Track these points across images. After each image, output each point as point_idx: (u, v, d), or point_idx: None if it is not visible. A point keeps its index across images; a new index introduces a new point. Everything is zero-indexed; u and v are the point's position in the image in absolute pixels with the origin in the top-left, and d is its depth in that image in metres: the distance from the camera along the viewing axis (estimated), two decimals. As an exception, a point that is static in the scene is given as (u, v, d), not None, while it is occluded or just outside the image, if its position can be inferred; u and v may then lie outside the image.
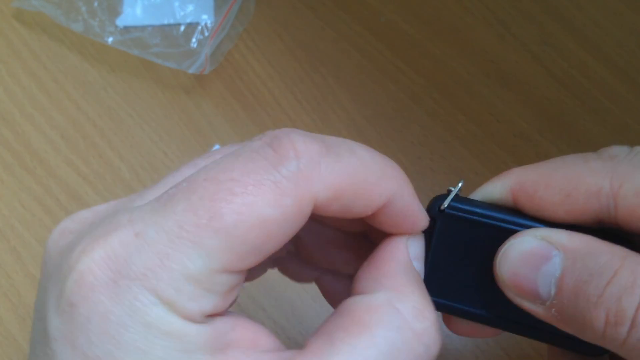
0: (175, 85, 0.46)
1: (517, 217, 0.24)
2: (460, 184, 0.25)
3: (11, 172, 0.44)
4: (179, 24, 0.47)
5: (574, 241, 0.21)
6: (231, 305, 0.21)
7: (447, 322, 0.26)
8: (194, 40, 0.46)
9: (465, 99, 0.45)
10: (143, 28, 0.47)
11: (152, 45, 0.46)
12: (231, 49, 0.47)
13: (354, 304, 0.21)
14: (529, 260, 0.22)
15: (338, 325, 0.20)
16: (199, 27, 0.47)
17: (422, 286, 0.22)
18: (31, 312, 0.41)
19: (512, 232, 0.23)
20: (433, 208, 0.25)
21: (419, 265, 0.24)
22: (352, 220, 0.25)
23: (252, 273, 0.28)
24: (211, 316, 0.20)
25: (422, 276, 0.24)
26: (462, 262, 0.25)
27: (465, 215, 0.24)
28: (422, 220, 0.24)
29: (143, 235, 0.19)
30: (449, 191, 0.25)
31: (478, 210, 0.24)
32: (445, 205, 0.24)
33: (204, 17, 0.47)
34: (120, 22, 0.47)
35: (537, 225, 0.23)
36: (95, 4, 0.47)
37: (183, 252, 0.18)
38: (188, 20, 0.47)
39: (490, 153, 0.44)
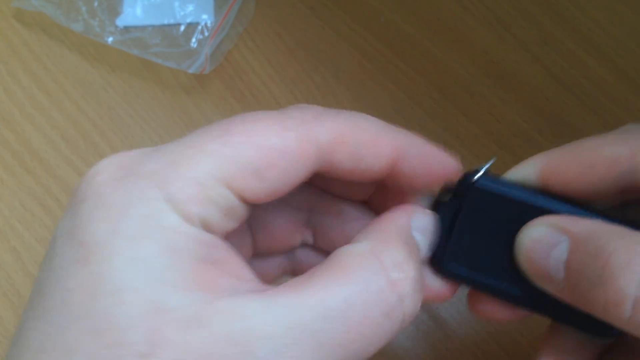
0: (175, 85, 0.47)
1: (543, 196, 0.25)
2: (492, 160, 0.26)
3: (11, 172, 0.44)
4: (179, 24, 0.47)
5: (578, 225, 0.23)
6: (231, 230, 0.22)
7: (471, 303, 0.27)
8: (194, 40, 0.46)
9: (465, 99, 0.45)
10: (143, 28, 0.47)
11: (152, 45, 0.46)
12: (231, 49, 0.47)
13: (340, 250, 0.22)
14: (540, 247, 0.23)
15: (321, 267, 0.21)
16: (199, 27, 0.47)
17: (414, 251, 0.23)
18: (31, 312, 0.41)
19: (538, 210, 0.24)
20: (463, 182, 0.26)
21: (419, 237, 0.24)
22: (368, 187, 0.26)
23: (267, 270, 0.28)
24: (208, 231, 0.21)
25: (424, 252, 0.25)
26: (488, 237, 0.25)
27: (493, 190, 0.25)
28: (448, 162, 0.25)
29: (160, 147, 0.22)
30: (477, 170, 0.26)
31: (506, 187, 0.25)
32: (475, 178, 0.26)
33: (204, 17, 0.47)
34: (120, 22, 0.47)
35: (560, 205, 0.24)
36: (95, 4, 0.47)
37: (193, 158, 0.20)
38: (188, 20, 0.47)
39: (490, 153, 0.44)
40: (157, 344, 0.18)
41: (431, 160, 0.25)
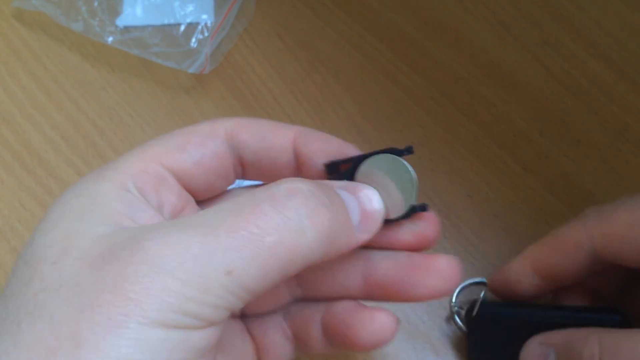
0: (175, 85, 0.47)
1: (534, 309, 0.34)
2: (482, 294, 0.34)
3: (11, 172, 0.44)
4: (179, 24, 0.47)
5: (557, 337, 0.31)
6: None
7: None
8: (194, 40, 0.46)
9: (465, 98, 0.45)
10: (143, 28, 0.47)
11: (152, 45, 0.46)
12: (231, 49, 0.47)
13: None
14: (537, 358, 0.31)
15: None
16: (199, 27, 0.47)
17: (322, 193, 0.24)
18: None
19: (530, 323, 0.32)
20: (467, 317, 0.35)
21: (343, 193, 0.26)
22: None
23: (268, 335, 0.29)
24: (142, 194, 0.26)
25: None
26: (496, 353, 0.34)
27: (492, 316, 0.34)
28: (341, 142, 0.29)
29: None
30: (474, 300, 0.34)
31: (502, 310, 0.34)
32: (474, 313, 0.34)
33: (204, 17, 0.47)
34: (120, 22, 0.47)
35: (550, 313, 0.33)
36: (95, 3, 0.47)
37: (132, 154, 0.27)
38: (188, 20, 0.47)
39: (490, 153, 0.44)
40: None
41: (327, 138, 0.28)
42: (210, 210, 0.22)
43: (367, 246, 0.27)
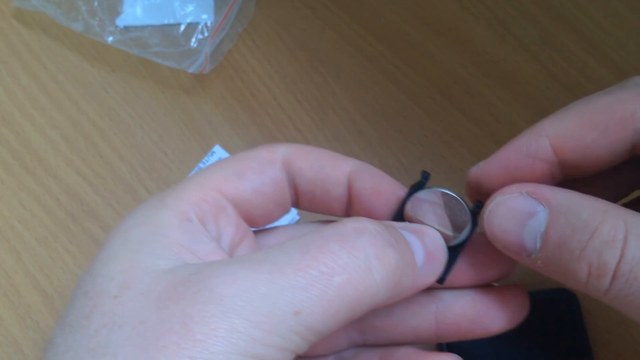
0: (175, 85, 0.47)
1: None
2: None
3: (11, 172, 0.44)
4: (179, 24, 0.47)
5: (558, 196, 0.23)
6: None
7: None
8: (194, 40, 0.46)
9: (465, 99, 0.45)
10: (143, 28, 0.47)
11: (152, 44, 0.46)
12: (231, 48, 0.47)
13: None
14: (516, 216, 0.23)
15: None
16: (199, 27, 0.47)
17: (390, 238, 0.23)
18: (31, 312, 0.41)
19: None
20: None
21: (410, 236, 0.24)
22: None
23: None
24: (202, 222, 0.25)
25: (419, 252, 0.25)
26: None
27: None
28: (395, 182, 0.27)
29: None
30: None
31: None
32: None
33: (204, 16, 0.47)
34: (121, 22, 0.47)
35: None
36: (95, 3, 0.47)
37: (187, 185, 0.26)
38: (188, 20, 0.47)
39: (490, 153, 0.43)
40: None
41: (382, 177, 0.27)
42: (277, 247, 0.22)
43: (434, 287, 0.26)
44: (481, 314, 0.26)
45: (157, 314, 0.20)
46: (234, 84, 0.46)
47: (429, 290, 0.26)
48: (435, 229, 0.25)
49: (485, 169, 0.27)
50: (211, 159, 0.44)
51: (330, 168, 0.27)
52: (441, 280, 0.25)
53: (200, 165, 0.44)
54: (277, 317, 0.20)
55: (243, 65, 0.47)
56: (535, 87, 0.45)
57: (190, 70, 0.45)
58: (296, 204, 0.28)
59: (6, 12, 0.49)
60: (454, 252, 0.25)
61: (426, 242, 0.24)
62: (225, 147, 0.44)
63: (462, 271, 0.26)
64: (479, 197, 0.26)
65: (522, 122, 0.44)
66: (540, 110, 0.44)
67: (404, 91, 0.45)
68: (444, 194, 0.26)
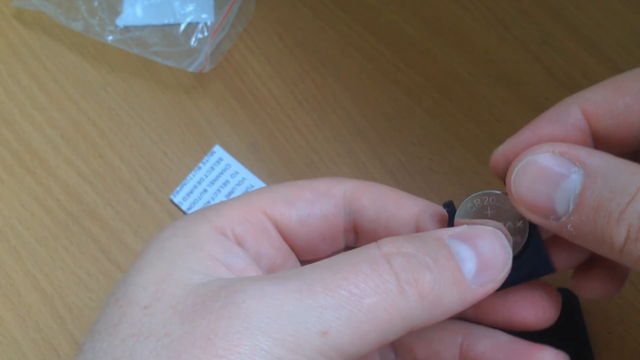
0: (175, 85, 0.46)
1: None
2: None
3: (11, 172, 0.44)
4: (179, 24, 0.47)
5: (594, 158, 0.22)
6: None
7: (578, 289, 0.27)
8: (193, 39, 0.46)
9: (465, 99, 0.45)
10: (143, 27, 0.47)
11: (152, 44, 0.46)
12: (231, 48, 0.47)
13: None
14: (547, 177, 0.22)
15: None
16: (199, 27, 0.47)
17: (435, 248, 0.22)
18: (31, 312, 0.41)
19: None
20: None
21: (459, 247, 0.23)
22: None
23: None
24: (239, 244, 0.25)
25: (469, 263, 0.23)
26: None
27: None
28: None
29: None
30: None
31: None
32: None
33: (204, 16, 0.47)
34: (121, 21, 0.47)
35: None
36: (95, 3, 0.47)
37: (232, 204, 0.26)
38: (188, 20, 0.47)
39: (490, 153, 0.43)
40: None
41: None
42: (309, 266, 0.21)
43: (474, 318, 0.26)
44: None
45: (183, 327, 0.20)
46: (233, 83, 0.46)
47: (462, 319, 0.25)
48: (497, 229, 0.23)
49: (514, 143, 0.25)
50: (211, 159, 0.44)
51: (396, 207, 0.26)
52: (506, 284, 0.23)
53: (201, 165, 0.44)
54: (303, 336, 0.19)
55: (243, 65, 0.47)
56: (535, 87, 0.45)
57: (190, 70, 0.45)
58: (356, 242, 0.27)
59: (6, 12, 0.49)
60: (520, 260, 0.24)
61: (480, 248, 0.23)
62: (225, 147, 0.44)
63: (506, 307, 0.25)
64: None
65: (522, 122, 0.44)
66: (540, 111, 0.44)
67: (404, 91, 0.45)
68: (487, 195, 0.25)
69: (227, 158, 0.44)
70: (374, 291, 0.20)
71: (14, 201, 0.43)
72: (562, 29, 0.47)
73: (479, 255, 0.22)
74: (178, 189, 0.43)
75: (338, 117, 0.45)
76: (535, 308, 0.25)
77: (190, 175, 0.44)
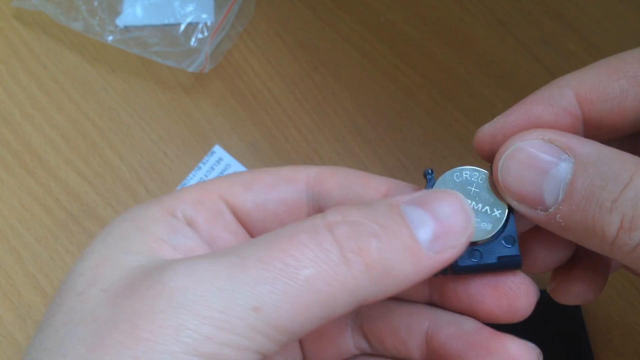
0: (175, 85, 0.46)
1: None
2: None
3: (11, 172, 0.44)
4: (179, 24, 0.47)
5: (585, 147, 0.21)
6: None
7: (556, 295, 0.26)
8: (193, 39, 0.46)
9: (465, 99, 0.45)
10: (143, 27, 0.47)
11: (152, 44, 0.46)
12: (231, 48, 0.47)
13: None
14: (536, 164, 0.21)
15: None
16: (199, 27, 0.47)
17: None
18: (31, 312, 0.41)
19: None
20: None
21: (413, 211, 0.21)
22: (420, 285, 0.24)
23: None
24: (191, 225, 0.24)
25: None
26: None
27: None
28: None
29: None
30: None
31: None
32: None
33: (204, 16, 0.47)
34: (121, 21, 0.47)
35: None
36: (95, 3, 0.47)
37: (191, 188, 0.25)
38: (188, 20, 0.47)
39: (490, 153, 0.44)
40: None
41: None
42: (248, 241, 0.20)
43: (441, 304, 0.24)
44: (461, 354, 0.23)
45: (110, 311, 0.18)
46: (234, 83, 0.46)
47: (430, 304, 0.24)
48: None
49: (502, 123, 0.24)
50: (211, 159, 0.44)
51: (362, 188, 0.24)
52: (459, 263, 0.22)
53: (201, 165, 0.44)
54: (233, 313, 0.18)
55: (243, 65, 0.47)
56: (535, 87, 0.45)
57: (190, 69, 0.45)
58: None
59: (6, 12, 0.49)
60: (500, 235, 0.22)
61: (437, 212, 0.21)
62: (225, 147, 0.44)
63: (477, 296, 0.23)
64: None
65: (522, 122, 0.44)
66: (540, 110, 0.44)
67: (404, 91, 0.45)
68: (479, 172, 0.23)
69: (227, 158, 0.44)
70: (313, 262, 0.19)
71: (14, 201, 0.43)
72: (562, 29, 0.47)
73: (436, 220, 0.21)
74: (178, 189, 0.43)
75: (338, 117, 0.45)
76: (499, 297, 0.23)
77: (190, 175, 0.44)
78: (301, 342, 0.26)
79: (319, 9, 0.48)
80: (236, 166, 0.44)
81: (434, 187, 0.23)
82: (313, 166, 0.25)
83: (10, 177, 0.44)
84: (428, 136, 0.44)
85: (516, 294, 0.23)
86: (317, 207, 0.24)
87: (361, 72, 0.46)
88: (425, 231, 0.20)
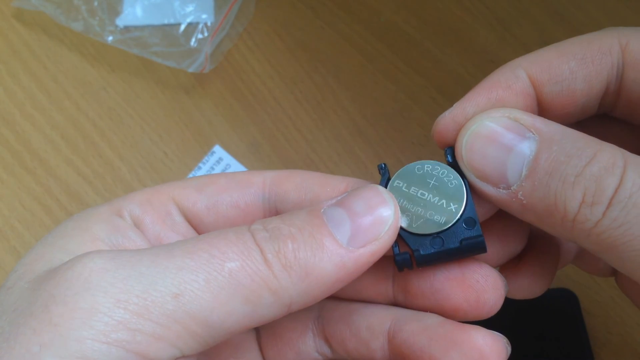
0: (175, 85, 0.47)
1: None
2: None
3: (11, 172, 0.44)
4: (179, 24, 0.47)
5: (549, 126, 0.21)
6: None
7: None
8: (193, 39, 0.46)
9: (465, 99, 0.45)
10: (143, 27, 0.47)
11: (152, 44, 0.46)
12: (231, 48, 0.47)
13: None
14: (501, 141, 0.21)
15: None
16: (199, 27, 0.47)
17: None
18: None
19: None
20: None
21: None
22: (382, 286, 0.25)
23: None
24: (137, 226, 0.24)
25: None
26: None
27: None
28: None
29: None
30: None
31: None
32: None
33: (204, 16, 0.47)
34: (121, 21, 0.47)
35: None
36: (95, 3, 0.47)
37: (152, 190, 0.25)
38: (188, 20, 0.47)
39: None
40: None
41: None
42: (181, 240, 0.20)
43: (406, 304, 0.24)
44: (424, 349, 0.22)
45: (29, 298, 0.18)
46: (234, 83, 0.46)
47: (392, 304, 0.24)
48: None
49: (460, 109, 0.23)
50: (211, 159, 0.44)
51: (320, 188, 0.24)
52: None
53: (201, 165, 0.44)
54: (152, 298, 0.17)
55: (243, 65, 0.47)
56: (535, 87, 0.45)
57: (190, 70, 0.45)
58: None
59: (6, 12, 0.49)
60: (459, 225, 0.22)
61: (353, 208, 0.21)
62: (225, 147, 0.44)
63: (443, 291, 0.23)
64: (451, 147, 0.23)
65: (522, 122, 0.44)
66: (540, 110, 0.45)
67: (404, 91, 0.45)
68: (441, 167, 0.23)
69: (227, 158, 0.44)
70: (237, 255, 0.19)
71: (14, 201, 0.43)
72: (562, 29, 0.47)
73: (353, 215, 0.21)
74: None
75: (338, 117, 0.45)
76: (466, 291, 0.22)
77: (190, 175, 0.44)
78: (261, 347, 0.26)
79: (319, 9, 0.48)
80: (236, 166, 0.44)
81: (394, 178, 0.24)
82: (271, 170, 0.25)
83: (10, 177, 0.44)
84: (428, 136, 0.44)
85: (483, 286, 0.22)
86: (274, 209, 0.24)
87: (361, 72, 0.46)
88: (344, 229, 0.20)
